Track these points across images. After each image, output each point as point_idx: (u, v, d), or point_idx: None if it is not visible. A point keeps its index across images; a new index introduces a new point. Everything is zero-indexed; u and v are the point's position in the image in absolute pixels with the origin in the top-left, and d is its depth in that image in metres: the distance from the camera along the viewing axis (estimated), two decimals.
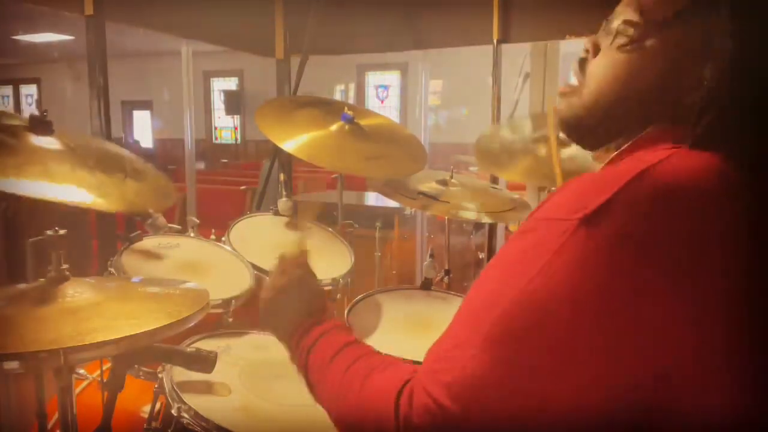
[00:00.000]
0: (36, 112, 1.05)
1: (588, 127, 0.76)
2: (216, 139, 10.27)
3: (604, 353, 0.58)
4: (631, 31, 0.70)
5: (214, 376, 1.13)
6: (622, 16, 0.72)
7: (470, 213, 1.79)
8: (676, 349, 0.58)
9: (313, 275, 0.96)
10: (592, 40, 0.76)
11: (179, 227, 1.76)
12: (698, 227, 0.60)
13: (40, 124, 1.04)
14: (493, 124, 2.54)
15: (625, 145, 0.72)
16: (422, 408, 0.62)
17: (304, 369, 0.82)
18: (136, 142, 9.70)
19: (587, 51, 0.76)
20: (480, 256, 2.90)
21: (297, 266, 0.95)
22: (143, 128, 10.65)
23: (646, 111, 0.70)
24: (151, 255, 1.60)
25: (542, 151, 1.86)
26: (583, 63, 0.76)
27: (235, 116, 9.58)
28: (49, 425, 1.14)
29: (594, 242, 0.59)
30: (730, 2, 0.66)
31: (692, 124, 0.66)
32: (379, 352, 0.78)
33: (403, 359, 0.75)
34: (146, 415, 1.27)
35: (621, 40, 0.71)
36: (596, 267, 0.58)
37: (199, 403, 1.12)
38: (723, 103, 0.65)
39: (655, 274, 0.58)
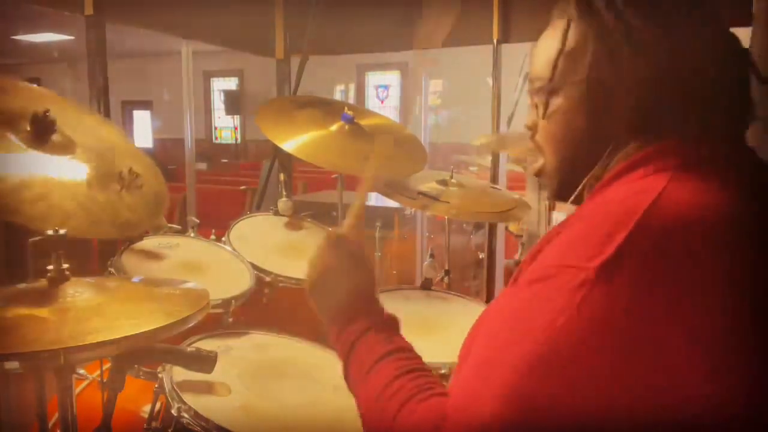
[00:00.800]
0: (35, 112, 1.05)
1: (569, 186, 0.78)
2: (216, 139, 10.27)
3: (637, 402, 0.57)
4: (540, 101, 0.76)
5: (214, 376, 1.13)
6: (531, 96, 0.79)
7: (470, 213, 1.79)
8: (704, 391, 0.57)
9: (365, 255, 0.89)
10: (528, 120, 0.81)
11: (179, 227, 1.76)
12: (714, 257, 0.60)
13: (42, 125, 1.04)
14: (494, 122, 2.54)
15: (605, 175, 0.72)
16: None
17: (345, 364, 0.80)
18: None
19: (530, 129, 0.81)
20: (480, 256, 2.90)
21: (349, 243, 0.88)
22: (143, 128, 10.65)
23: (604, 143, 0.72)
24: (151, 255, 1.60)
25: None
26: (533, 139, 0.81)
27: (235, 116, 9.58)
28: (49, 425, 1.14)
29: (615, 289, 0.58)
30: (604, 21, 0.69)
31: (666, 140, 0.68)
32: (418, 369, 0.74)
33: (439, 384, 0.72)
34: (146, 415, 1.27)
35: (540, 111, 0.76)
36: (622, 313, 0.58)
37: (199, 403, 1.12)
38: (673, 114, 0.68)
39: (679, 313, 0.58)
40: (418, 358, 0.77)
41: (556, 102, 0.74)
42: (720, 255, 0.60)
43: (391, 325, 0.82)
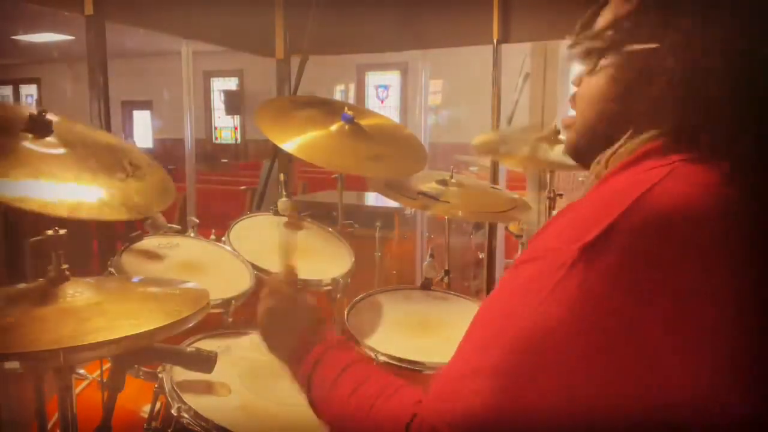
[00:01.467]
0: (33, 112, 1.05)
1: (584, 149, 0.78)
2: (216, 139, 10.26)
3: (609, 388, 0.58)
4: (593, 54, 0.74)
5: (214, 376, 1.13)
6: (577, 47, 0.76)
7: (470, 213, 1.79)
8: (680, 378, 0.58)
9: (303, 293, 0.96)
10: (577, 75, 0.80)
11: (179, 227, 1.76)
12: (701, 252, 0.59)
13: (39, 124, 1.04)
14: (492, 131, 2.54)
15: (614, 161, 0.72)
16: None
17: (308, 390, 0.83)
18: (132, 143, 9.71)
19: (575, 83, 0.81)
20: (480, 256, 2.90)
21: (285, 286, 0.95)
22: (143, 128, 10.65)
23: (626, 124, 0.72)
24: (151, 255, 1.60)
25: (542, 148, 1.87)
26: (573, 97, 0.81)
27: (235, 116, 9.58)
28: (49, 425, 1.14)
29: (594, 272, 0.58)
30: (686, 8, 0.67)
31: (678, 135, 0.67)
32: (382, 372, 0.78)
33: (410, 372, 0.75)
34: (146, 415, 1.27)
35: (588, 66, 0.75)
36: (598, 298, 0.58)
37: (199, 402, 1.12)
38: (703, 111, 0.66)
39: (656, 302, 0.58)
40: (373, 366, 0.80)
41: (605, 62, 0.73)
42: (704, 249, 0.59)
43: (345, 344, 0.86)
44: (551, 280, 0.60)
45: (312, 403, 0.82)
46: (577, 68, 0.79)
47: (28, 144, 1.02)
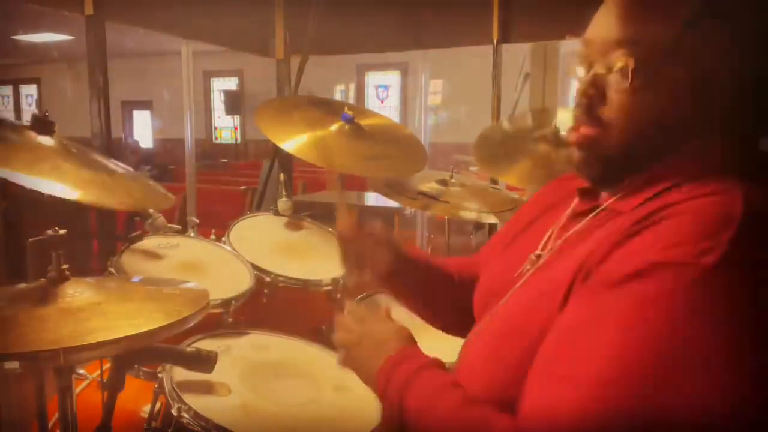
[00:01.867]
0: (36, 112, 1.05)
1: (620, 169, 0.72)
2: (216, 139, 10.26)
3: (745, 407, 0.55)
4: (640, 68, 0.67)
5: (214, 376, 1.13)
6: (620, 52, 0.68)
7: (470, 213, 1.79)
8: None
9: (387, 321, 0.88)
10: (591, 83, 0.71)
11: (179, 227, 1.76)
12: None
13: (42, 125, 1.04)
14: (494, 122, 2.54)
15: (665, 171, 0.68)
16: None
17: (398, 409, 0.75)
18: (135, 142, 9.70)
19: (590, 97, 0.71)
20: None
21: (370, 316, 0.89)
22: (143, 128, 10.65)
23: (679, 136, 0.68)
24: (151, 255, 1.60)
25: (541, 149, 1.86)
26: (590, 110, 0.71)
27: (235, 116, 9.58)
28: (49, 425, 1.14)
29: (721, 286, 0.56)
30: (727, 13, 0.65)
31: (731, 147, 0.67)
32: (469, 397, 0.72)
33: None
34: (146, 415, 1.27)
35: (637, 81, 0.67)
36: (727, 312, 0.56)
37: (199, 403, 1.12)
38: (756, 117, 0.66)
39: None
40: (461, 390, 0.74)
41: (661, 72, 0.66)
42: None
43: (436, 363, 0.79)
44: (676, 296, 0.56)
45: (400, 409, 0.74)
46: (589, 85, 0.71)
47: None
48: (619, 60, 0.68)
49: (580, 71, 0.74)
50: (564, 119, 1.86)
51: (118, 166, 1.16)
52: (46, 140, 1.05)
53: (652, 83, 0.67)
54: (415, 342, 0.83)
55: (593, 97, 0.71)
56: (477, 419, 0.68)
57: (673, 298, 0.56)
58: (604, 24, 0.70)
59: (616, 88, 0.69)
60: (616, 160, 0.71)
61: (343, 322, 0.88)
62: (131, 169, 1.23)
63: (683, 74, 0.66)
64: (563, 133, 1.88)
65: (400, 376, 0.76)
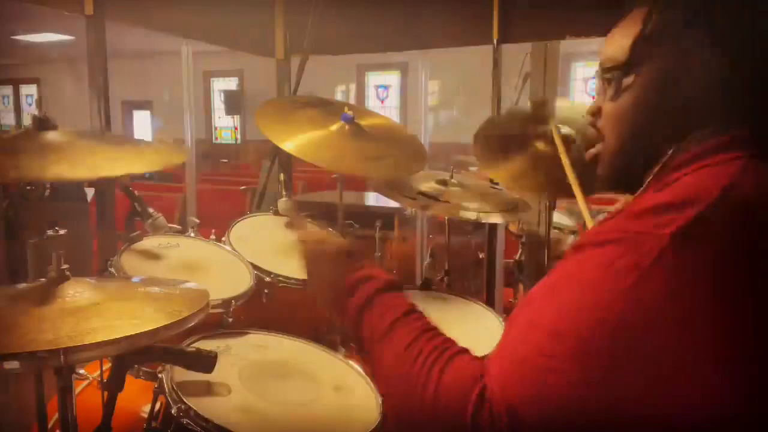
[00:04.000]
0: (36, 113, 1.05)
1: (627, 173, 0.79)
2: (216, 139, 10.26)
3: (700, 371, 0.57)
4: (610, 82, 0.78)
5: (214, 376, 1.13)
6: (599, 76, 0.80)
7: (470, 213, 1.79)
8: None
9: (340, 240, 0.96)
10: (593, 105, 0.83)
11: (179, 227, 1.76)
12: None
13: (43, 125, 1.04)
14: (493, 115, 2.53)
15: (661, 163, 0.74)
16: (502, 421, 0.61)
17: (355, 329, 0.80)
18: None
19: (593, 114, 0.83)
20: (480, 256, 2.90)
21: (315, 233, 0.97)
22: (143, 128, 10.65)
23: (667, 134, 0.74)
24: (151, 255, 1.60)
25: (541, 148, 1.86)
26: (594, 125, 0.83)
27: (235, 116, 9.58)
28: (49, 425, 1.14)
29: (685, 259, 0.58)
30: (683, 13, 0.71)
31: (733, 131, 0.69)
32: (436, 329, 0.76)
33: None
34: (146, 415, 1.27)
35: (610, 92, 0.78)
36: (688, 284, 0.58)
37: (199, 403, 1.12)
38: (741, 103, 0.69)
39: (752, 289, 0.58)
40: (426, 319, 0.79)
41: (628, 82, 0.76)
42: None
43: (392, 285, 0.84)
44: (640, 264, 0.59)
45: (359, 342, 0.80)
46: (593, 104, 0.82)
47: None
48: (601, 76, 0.80)
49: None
50: (563, 109, 1.85)
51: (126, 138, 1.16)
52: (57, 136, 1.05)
53: (619, 91, 0.77)
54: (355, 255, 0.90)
55: (595, 114, 0.83)
56: (437, 345, 0.72)
57: (629, 263, 0.60)
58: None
59: (603, 100, 0.81)
60: (617, 167, 0.80)
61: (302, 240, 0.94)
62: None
63: (639, 82, 0.75)
64: (563, 132, 1.87)
65: (355, 304, 0.81)
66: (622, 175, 0.80)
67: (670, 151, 0.73)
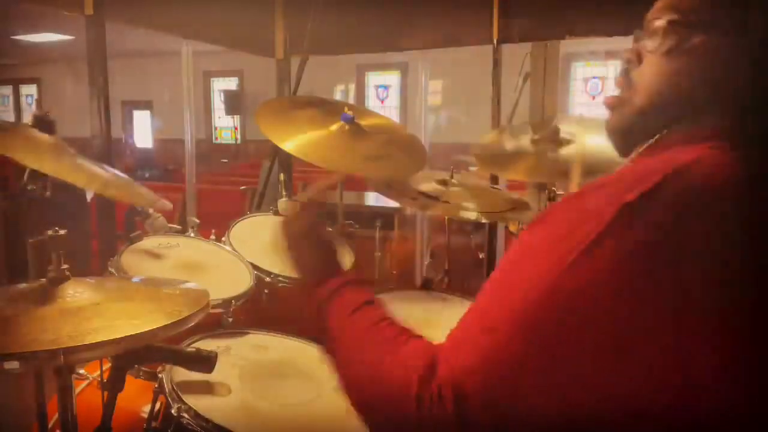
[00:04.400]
0: (36, 112, 1.05)
1: (639, 133, 0.77)
2: (216, 139, 10.26)
3: (639, 346, 0.58)
4: (674, 34, 0.73)
5: (214, 376, 1.13)
6: (662, 20, 0.74)
7: (470, 213, 1.79)
8: (708, 351, 0.58)
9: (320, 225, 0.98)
10: (633, 49, 0.78)
11: (179, 227, 1.76)
12: (729, 226, 0.61)
13: (43, 124, 1.04)
14: (492, 132, 2.54)
15: (652, 141, 0.74)
16: (447, 392, 0.61)
17: (319, 316, 0.81)
18: (132, 143, 9.70)
19: (629, 61, 0.78)
20: (480, 256, 2.90)
21: (309, 214, 0.99)
22: (143, 128, 10.64)
23: (692, 110, 0.72)
24: (151, 255, 1.60)
25: (543, 151, 1.86)
26: (627, 73, 0.79)
27: (235, 116, 9.57)
28: (49, 425, 1.14)
29: (634, 230, 0.59)
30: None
31: (730, 121, 0.69)
32: (397, 319, 0.76)
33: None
34: (146, 415, 1.27)
35: (666, 45, 0.73)
36: (636, 256, 0.59)
37: (198, 403, 1.12)
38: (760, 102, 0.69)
39: (691, 266, 0.59)
40: (389, 311, 0.79)
41: (693, 41, 0.71)
42: (739, 222, 0.61)
43: (362, 283, 0.85)
44: (587, 236, 0.60)
45: (323, 329, 0.80)
46: (644, 45, 0.77)
47: None
48: (657, 23, 0.74)
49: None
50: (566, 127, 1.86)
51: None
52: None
53: (679, 49, 0.72)
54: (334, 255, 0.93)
55: (631, 61, 0.78)
56: (396, 330, 0.72)
57: (579, 233, 0.61)
58: (655, 5, 0.78)
59: (649, 49, 0.75)
60: (634, 124, 0.77)
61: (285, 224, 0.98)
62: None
63: (709, 49, 0.71)
64: (563, 134, 1.87)
65: (323, 292, 0.82)
66: (633, 133, 0.77)
67: (665, 131, 0.73)
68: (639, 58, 0.77)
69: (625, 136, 0.79)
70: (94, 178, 1.18)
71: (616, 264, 0.59)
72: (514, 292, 0.63)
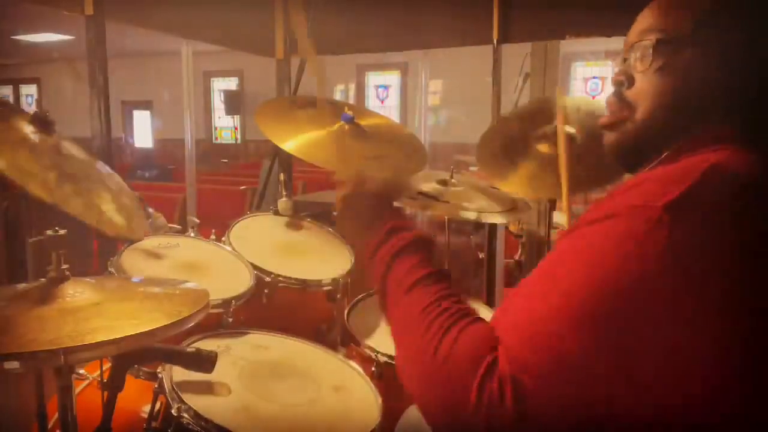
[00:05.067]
0: (36, 112, 1.05)
1: (646, 145, 0.80)
2: (216, 139, 10.26)
3: (694, 339, 0.60)
4: (662, 53, 0.77)
5: (214, 376, 1.13)
6: (648, 41, 0.78)
7: (470, 213, 1.79)
8: (759, 338, 0.61)
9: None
10: (621, 72, 0.82)
11: (179, 227, 1.76)
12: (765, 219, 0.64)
13: (42, 124, 1.04)
14: (496, 123, 2.54)
15: (669, 151, 0.77)
16: (507, 388, 0.61)
17: (384, 276, 0.81)
18: (131, 143, 9.71)
19: (620, 83, 0.82)
20: (480, 256, 2.90)
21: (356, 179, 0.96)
22: (143, 128, 10.65)
23: (693, 118, 0.76)
24: (151, 255, 1.60)
25: (544, 150, 1.85)
26: (619, 95, 0.82)
27: (235, 116, 9.58)
28: (49, 425, 1.14)
29: (679, 227, 0.61)
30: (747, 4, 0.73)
31: (737, 122, 0.73)
32: (454, 294, 0.76)
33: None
34: (146, 415, 1.27)
35: (657, 64, 0.77)
36: (684, 251, 0.61)
37: (199, 403, 1.12)
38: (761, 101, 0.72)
39: (737, 258, 0.61)
40: (448, 281, 0.78)
41: (682, 57, 0.76)
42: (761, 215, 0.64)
43: (425, 244, 0.84)
44: (637, 233, 0.62)
45: (382, 287, 0.81)
46: (630, 64, 0.81)
47: None
48: (645, 43, 0.78)
49: (616, 69, 0.85)
50: (566, 104, 1.85)
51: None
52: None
53: (670, 65, 0.77)
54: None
55: (623, 82, 0.82)
56: (457, 310, 0.72)
57: (625, 234, 0.63)
58: (638, 22, 0.82)
59: (640, 69, 0.80)
60: (640, 139, 0.81)
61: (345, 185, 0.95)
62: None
63: (697, 61, 0.75)
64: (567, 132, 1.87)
65: (400, 240, 0.82)
66: (641, 148, 0.81)
67: (681, 139, 0.76)
68: (630, 79, 0.81)
69: (632, 151, 0.82)
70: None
71: (668, 260, 0.60)
72: (565, 289, 0.64)
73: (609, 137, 0.84)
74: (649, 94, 0.79)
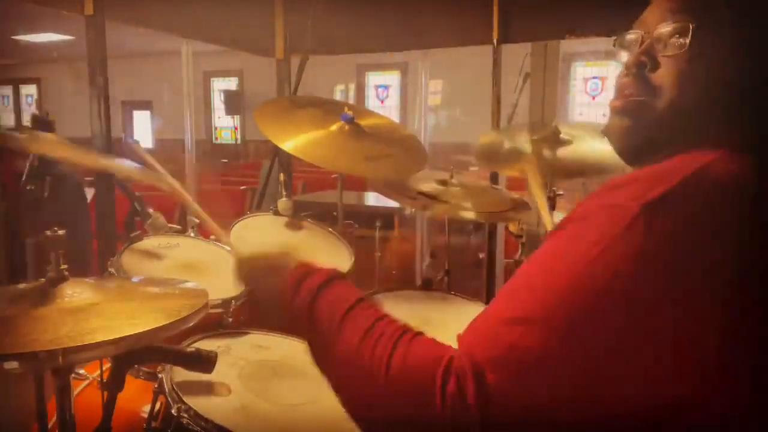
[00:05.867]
0: (36, 112, 1.05)
1: (657, 141, 0.75)
2: (216, 139, 10.26)
3: (658, 342, 0.59)
4: (697, 40, 0.71)
5: (214, 376, 1.13)
6: (683, 24, 0.71)
7: (470, 213, 1.79)
8: (726, 344, 0.60)
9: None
10: (644, 51, 0.75)
11: (179, 227, 1.76)
12: (747, 227, 0.63)
13: (42, 124, 1.04)
14: (492, 131, 2.54)
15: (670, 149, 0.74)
16: (469, 383, 0.60)
17: (310, 328, 0.75)
18: (136, 142, 9.69)
19: (641, 64, 0.75)
20: (480, 256, 2.90)
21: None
22: (143, 128, 10.65)
23: (709, 115, 0.72)
24: (151, 255, 1.60)
25: (544, 152, 1.86)
26: (640, 76, 0.75)
27: (235, 116, 9.58)
28: (49, 425, 1.14)
29: (654, 229, 0.60)
30: None
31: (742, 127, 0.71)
32: (387, 315, 0.73)
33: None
34: (146, 415, 1.27)
35: (692, 51, 0.71)
36: (656, 254, 0.60)
37: (198, 403, 1.12)
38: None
39: (711, 265, 0.60)
40: (376, 306, 0.75)
41: (713, 46, 0.70)
42: (758, 224, 0.63)
43: (337, 276, 0.80)
44: (610, 233, 0.61)
45: (312, 342, 0.75)
46: (665, 45, 0.73)
47: None
48: (681, 22, 0.71)
49: (633, 46, 0.77)
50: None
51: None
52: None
53: (708, 49, 0.70)
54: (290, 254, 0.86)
55: (645, 63, 0.74)
56: (396, 329, 0.69)
57: (601, 233, 0.62)
58: (667, 1, 0.75)
59: (671, 53, 0.72)
60: (655, 129, 0.74)
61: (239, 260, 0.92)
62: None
63: (737, 45, 0.70)
64: (562, 135, 1.88)
65: (311, 285, 0.77)
66: (655, 140, 0.74)
67: (681, 139, 0.72)
68: (654, 61, 0.74)
69: (644, 141, 0.76)
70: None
71: (641, 258, 0.60)
72: (536, 288, 0.64)
73: (620, 122, 0.77)
74: (678, 82, 0.72)
